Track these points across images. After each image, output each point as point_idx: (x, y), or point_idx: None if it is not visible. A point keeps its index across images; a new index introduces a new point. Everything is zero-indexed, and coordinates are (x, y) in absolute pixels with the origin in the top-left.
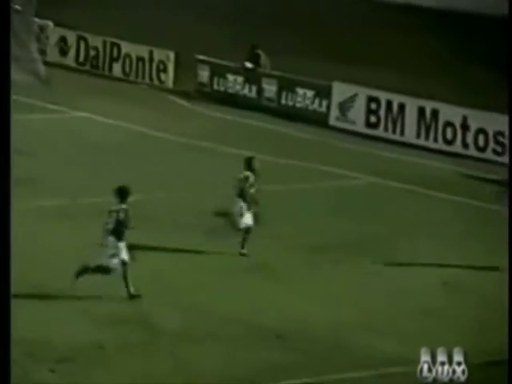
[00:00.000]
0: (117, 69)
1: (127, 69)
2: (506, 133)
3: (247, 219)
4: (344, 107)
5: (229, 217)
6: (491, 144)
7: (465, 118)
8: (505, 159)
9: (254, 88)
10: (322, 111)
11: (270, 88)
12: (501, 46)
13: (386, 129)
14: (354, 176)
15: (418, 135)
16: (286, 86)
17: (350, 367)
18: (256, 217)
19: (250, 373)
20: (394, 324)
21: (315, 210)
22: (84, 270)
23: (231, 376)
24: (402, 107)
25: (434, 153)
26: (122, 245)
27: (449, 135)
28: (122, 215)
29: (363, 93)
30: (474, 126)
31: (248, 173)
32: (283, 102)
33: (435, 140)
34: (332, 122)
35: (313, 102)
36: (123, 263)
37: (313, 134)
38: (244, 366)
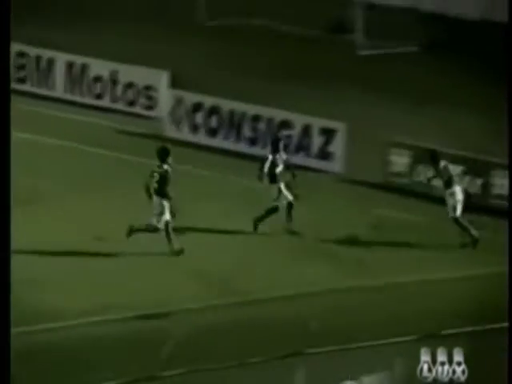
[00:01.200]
0: None
1: None
2: (155, 86)
3: None
4: None
5: None
6: (140, 98)
7: (114, 73)
8: (154, 113)
9: None
10: None
11: None
12: None
13: (34, 84)
14: None
15: (68, 90)
16: None
17: None
18: None
19: None
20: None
21: None
22: (133, 230)
23: None
24: (51, 62)
25: (85, 107)
26: (166, 203)
27: (98, 90)
28: (164, 175)
29: (12, 48)
30: (123, 80)
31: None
32: None
33: (84, 94)
34: None
35: None
36: (166, 222)
37: None
38: None
